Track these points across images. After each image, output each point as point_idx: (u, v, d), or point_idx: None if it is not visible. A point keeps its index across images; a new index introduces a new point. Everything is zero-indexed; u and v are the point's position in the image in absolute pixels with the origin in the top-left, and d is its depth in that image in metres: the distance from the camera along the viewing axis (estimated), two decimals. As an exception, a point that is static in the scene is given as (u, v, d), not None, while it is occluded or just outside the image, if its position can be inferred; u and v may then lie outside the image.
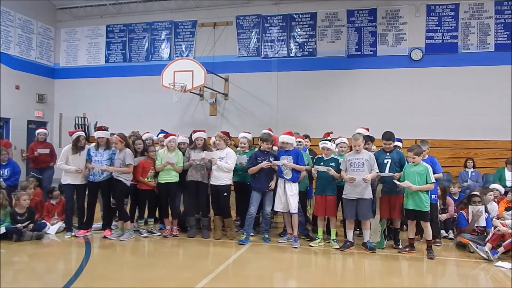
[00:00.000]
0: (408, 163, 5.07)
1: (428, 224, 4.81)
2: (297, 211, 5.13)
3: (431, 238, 4.83)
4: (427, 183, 4.73)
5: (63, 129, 10.73)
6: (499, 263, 4.48)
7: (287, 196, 5.08)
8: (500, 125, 8.11)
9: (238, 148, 5.96)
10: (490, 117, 8.22)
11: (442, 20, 8.75)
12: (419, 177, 4.75)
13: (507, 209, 5.48)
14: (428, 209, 4.79)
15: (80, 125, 10.33)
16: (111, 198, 5.54)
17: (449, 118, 8.48)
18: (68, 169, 5.34)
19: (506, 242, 4.65)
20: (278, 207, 5.20)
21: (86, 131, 10.25)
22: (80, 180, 5.42)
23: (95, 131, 5.81)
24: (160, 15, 10.45)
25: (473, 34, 8.57)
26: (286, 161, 5.11)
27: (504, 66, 8.27)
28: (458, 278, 4.22)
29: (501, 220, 5.04)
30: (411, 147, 4.96)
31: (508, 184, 6.54)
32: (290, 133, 5.33)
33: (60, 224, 5.71)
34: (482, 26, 8.54)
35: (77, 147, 5.43)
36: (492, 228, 5.00)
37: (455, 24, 8.69)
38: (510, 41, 8.35)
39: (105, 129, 5.67)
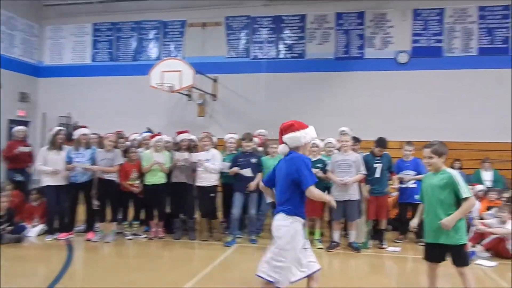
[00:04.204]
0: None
1: (466, 269, 3.20)
2: None
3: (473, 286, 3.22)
4: (458, 200, 3.00)
5: (47, 129, 10.46)
6: (479, 261, 4.57)
7: None
8: (479, 127, 8.26)
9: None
10: (473, 118, 8.39)
11: (428, 24, 8.91)
12: (439, 190, 3.05)
13: (489, 208, 5.60)
14: (465, 242, 3.16)
15: (63, 125, 10.08)
16: (96, 200, 5.42)
17: (434, 120, 8.60)
18: (45, 170, 5.18)
19: (484, 241, 4.76)
20: None
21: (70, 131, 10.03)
22: (60, 181, 5.26)
23: (73, 130, 5.62)
24: (149, 14, 10.31)
25: (457, 38, 8.75)
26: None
27: (487, 70, 8.46)
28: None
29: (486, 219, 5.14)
30: (428, 144, 3.21)
31: (487, 184, 6.71)
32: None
33: (41, 227, 5.55)
34: (466, 31, 8.73)
35: (55, 142, 5.21)
36: (473, 227, 5.10)
37: (440, 29, 8.86)
38: (492, 46, 8.55)
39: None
